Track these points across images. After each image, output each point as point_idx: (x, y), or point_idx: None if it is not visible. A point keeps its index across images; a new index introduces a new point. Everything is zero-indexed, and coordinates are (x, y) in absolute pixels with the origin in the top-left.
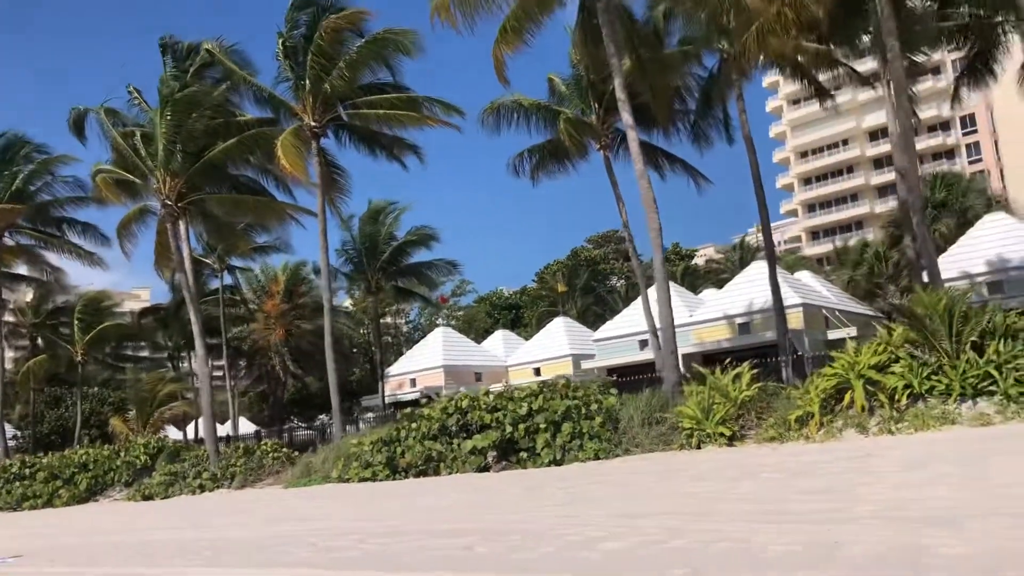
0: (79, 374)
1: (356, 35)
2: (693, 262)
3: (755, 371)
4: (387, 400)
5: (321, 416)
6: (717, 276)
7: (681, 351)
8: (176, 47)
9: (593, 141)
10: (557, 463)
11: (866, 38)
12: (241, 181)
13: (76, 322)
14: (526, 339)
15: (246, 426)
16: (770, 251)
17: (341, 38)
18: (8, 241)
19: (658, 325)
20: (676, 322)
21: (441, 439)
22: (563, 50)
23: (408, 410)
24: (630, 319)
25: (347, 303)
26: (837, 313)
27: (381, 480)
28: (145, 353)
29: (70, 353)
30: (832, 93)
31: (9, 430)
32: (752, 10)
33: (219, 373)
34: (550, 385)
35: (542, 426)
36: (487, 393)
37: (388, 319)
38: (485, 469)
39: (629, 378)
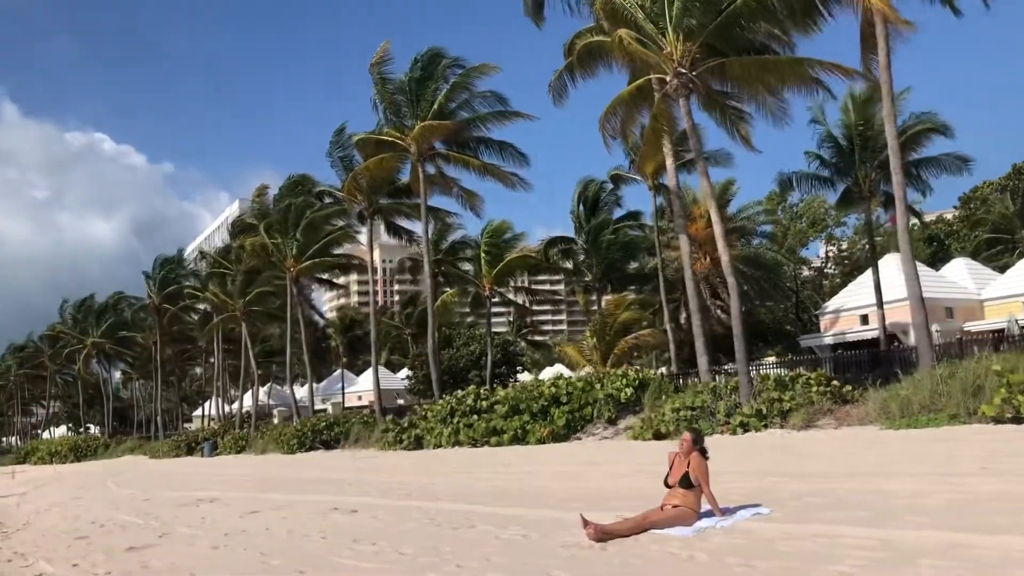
0: (487, 309)
1: None
2: None
3: None
4: (831, 341)
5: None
6: None
7: None
8: None
9: None
10: None
11: None
12: (748, 44)
13: (483, 255)
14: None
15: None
16: None
17: None
18: (428, 168)
19: None
20: None
21: None
22: None
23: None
24: None
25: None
26: None
27: None
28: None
29: (477, 287)
30: None
31: (403, 372)
32: None
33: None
34: None
35: None
36: None
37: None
38: None
39: None
